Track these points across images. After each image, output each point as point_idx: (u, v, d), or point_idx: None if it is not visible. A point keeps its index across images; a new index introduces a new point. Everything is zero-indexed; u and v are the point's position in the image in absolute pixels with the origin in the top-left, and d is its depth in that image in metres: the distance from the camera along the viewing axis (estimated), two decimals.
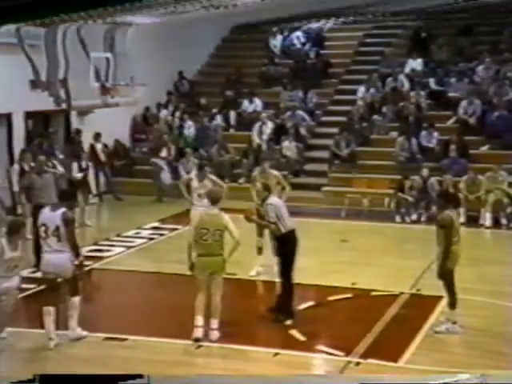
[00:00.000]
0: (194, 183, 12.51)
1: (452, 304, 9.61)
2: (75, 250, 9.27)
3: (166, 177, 19.00)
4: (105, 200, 18.83)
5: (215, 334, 9.37)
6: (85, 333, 9.45)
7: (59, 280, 9.34)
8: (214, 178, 12.79)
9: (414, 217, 16.37)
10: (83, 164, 16.47)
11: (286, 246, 10.12)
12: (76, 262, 9.28)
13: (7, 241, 8.85)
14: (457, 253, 9.55)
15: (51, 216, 9.22)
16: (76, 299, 9.32)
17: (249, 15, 22.01)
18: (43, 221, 9.27)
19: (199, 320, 9.33)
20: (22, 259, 9.15)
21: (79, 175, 16.17)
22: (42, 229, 9.23)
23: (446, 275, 9.56)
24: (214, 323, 9.41)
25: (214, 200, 9.62)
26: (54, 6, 6.39)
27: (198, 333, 9.30)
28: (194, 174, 13.13)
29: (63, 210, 9.23)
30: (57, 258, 9.15)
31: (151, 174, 19.18)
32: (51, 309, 9.20)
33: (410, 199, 16.42)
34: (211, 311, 9.42)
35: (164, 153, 19.47)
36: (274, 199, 10.42)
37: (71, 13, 11.46)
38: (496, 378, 7.32)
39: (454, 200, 10.14)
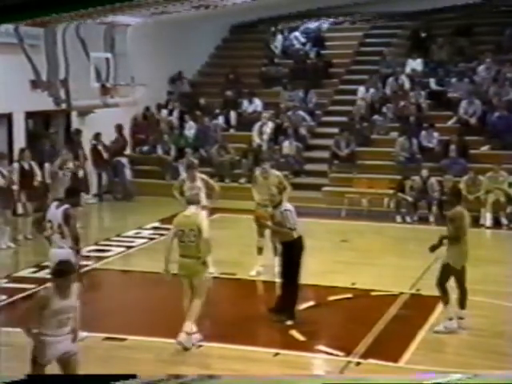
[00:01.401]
0: (187, 184, 12.40)
1: (461, 303, 9.66)
2: (77, 245, 9.33)
3: (127, 173, 19.19)
4: (105, 200, 18.83)
5: (185, 337, 8.96)
6: (84, 334, 9.42)
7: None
8: (205, 177, 12.56)
9: (415, 217, 16.38)
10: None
11: (293, 251, 10.08)
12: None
13: (55, 285, 6.88)
14: (466, 252, 9.59)
15: (55, 213, 9.39)
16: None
17: (244, 14, 21.97)
18: (49, 217, 9.46)
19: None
20: (75, 309, 6.99)
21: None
22: (49, 225, 9.41)
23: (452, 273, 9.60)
24: (187, 326, 9.02)
25: (189, 201, 9.54)
26: (43, 5, 6.36)
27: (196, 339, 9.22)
28: (185, 175, 13.05)
29: (65, 207, 9.36)
30: (58, 254, 9.21)
31: (116, 172, 19.27)
32: None
33: (410, 199, 16.42)
34: (188, 313, 9.11)
35: (128, 151, 19.87)
36: (289, 204, 10.31)
37: (61, 12, 11.42)
38: (487, 378, 7.30)
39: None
